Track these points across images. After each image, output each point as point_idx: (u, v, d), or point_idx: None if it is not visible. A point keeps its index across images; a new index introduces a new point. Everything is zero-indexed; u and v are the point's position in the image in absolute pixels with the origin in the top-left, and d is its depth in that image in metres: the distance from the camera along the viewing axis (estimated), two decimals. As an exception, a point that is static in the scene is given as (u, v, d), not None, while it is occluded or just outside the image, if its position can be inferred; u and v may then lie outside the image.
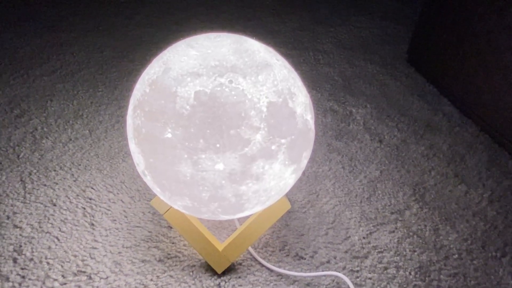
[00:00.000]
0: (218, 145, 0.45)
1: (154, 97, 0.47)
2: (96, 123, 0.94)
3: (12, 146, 0.86)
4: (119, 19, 1.45)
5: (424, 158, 0.89)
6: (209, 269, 0.63)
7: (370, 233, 0.71)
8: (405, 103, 1.07)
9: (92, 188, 0.77)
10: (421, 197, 0.79)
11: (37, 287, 0.60)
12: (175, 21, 1.46)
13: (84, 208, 0.73)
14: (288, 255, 0.67)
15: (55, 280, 0.61)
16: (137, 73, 1.13)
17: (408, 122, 0.99)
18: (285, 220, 0.73)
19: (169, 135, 0.46)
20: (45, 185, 0.77)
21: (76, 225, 0.70)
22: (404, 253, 0.68)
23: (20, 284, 0.60)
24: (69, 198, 0.75)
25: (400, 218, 0.74)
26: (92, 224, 0.70)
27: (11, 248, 0.65)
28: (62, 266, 0.63)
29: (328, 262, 0.66)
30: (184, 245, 0.67)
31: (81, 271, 0.63)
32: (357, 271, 0.65)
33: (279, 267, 0.64)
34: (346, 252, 0.68)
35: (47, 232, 0.68)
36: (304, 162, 0.54)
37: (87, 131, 0.92)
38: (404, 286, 0.63)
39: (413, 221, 0.74)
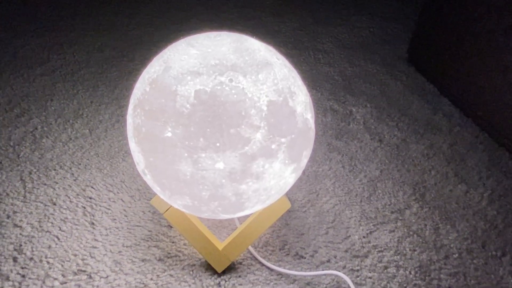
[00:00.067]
0: (218, 144, 0.45)
1: (154, 96, 0.47)
2: (96, 122, 0.94)
3: (12, 145, 0.86)
4: (119, 19, 1.45)
5: (424, 158, 0.89)
6: (209, 268, 0.63)
7: (370, 232, 0.71)
8: (405, 102, 1.07)
9: (92, 187, 0.77)
10: (421, 197, 0.79)
11: (37, 286, 0.60)
12: (175, 21, 1.46)
13: (84, 207, 0.73)
14: (288, 254, 0.67)
15: (55, 279, 0.61)
16: (137, 73, 1.13)
17: (408, 122, 0.99)
18: (285, 219, 0.73)
19: (169, 134, 0.46)
20: (45, 184, 0.77)
21: (76, 224, 0.70)
22: (404, 252, 0.68)
23: (20, 283, 0.60)
24: (69, 197, 0.75)
25: (400, 218, 0.74)
26: (92, 223, 0.70)
27: (11, 247, 0.65)
28: (62, 265, 0.63)
29: (328, 261, 0.66)
30: (184, 244, 0.67)
31: (81, 270, 0.63)
32: (357, 270, 0.65)
33: (279, 266, 0.64)
34: (346, 251, 0.68)
35: (47, 231, 0.68)
36: (304, 161, 0.54)
37: (87, 130, 0.92)
38: (404, 285, 0.63)
39: (413, 221, 0.74)
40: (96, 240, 0.67)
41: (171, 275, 0.62)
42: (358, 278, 0.64)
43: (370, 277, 0.64)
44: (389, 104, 1.06)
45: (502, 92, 0.89)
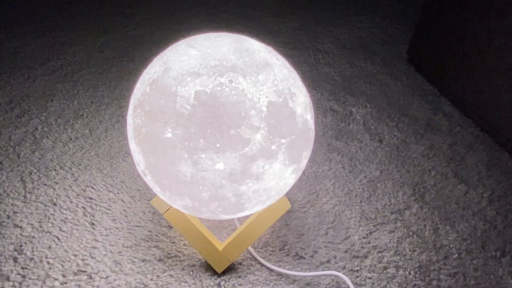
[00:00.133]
0: (218, 145, 0.45)
1: (154, 97, 0.47)
2: (96, 122, 0.94)
3: (13, 145, 0.86)
4: (119, 19, 1.45)
5: (424, 158, 0.89)
6: (209, 269, 0.63)
7: (370, 233, 0.71)
8: (405, 103, 1.07)
9: (92, 187, 0.77)
10: (421, 197, 0.79)
11: (37, 287, 0.60)
12: (175, 21, 1.46)
13: (85, 208, 0.73)
14: (288, 255, 0.67)
15: (56, 279, 0.61)
16: (137, 73, 1.13)
17: (408, 122, 0.99)
18: (285, 219, 0.73)
19: (169, 135, 0.46)
20: (45, 184, 0.77)
21: (76, 225, 0.70)
22: (404, 252, 0.68)
23: (20, 283, 0.60)
24: (69, 198, 0.75)
25: (400, 218, 0.74)
26: (93, 224, 0.70)
27: (11, 247, 0.65)
28: (62, 266, 0.63)
29: (328, 261, 0.66)
30: (184, 244, 0.67)
31: (81, 271, 0.63)
32: (357, 271, 0.65)
33: (279, 266, 0.64)
34: (346, 251, 0.68)
35: (48, 232, 0.68)
36: (304, 162, 0.54)
37: (88, 130, 0.92)
38: (404, 285, 0.63)
39: (413, 221, 0.74)
40: (96, 240, 0.67)
41: (171, 276, 0.62)
42: (357, 279, 0.64)
43: (369, 278, 0.64)
44: (389, 105, 1.06)
45: (502, 92, 0.89)
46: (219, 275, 0.63)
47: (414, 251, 0.69)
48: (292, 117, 0.48)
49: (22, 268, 0.62)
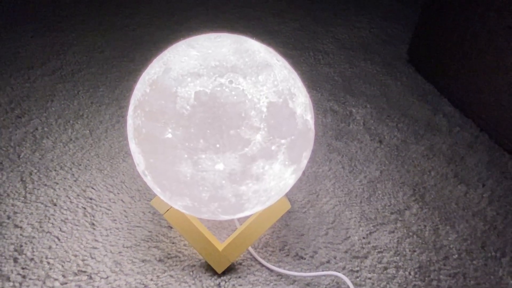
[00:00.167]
0: (218, 145, 0.45)
1: (154, 97, 0.47)
2: (96, 123, 0.94)
3: (13, 146, 0.86)
4: (119, 19, 1.45)
5: (424, 158, 0.89)
6: (209, 269, 0.63)
7: (370, 233, 0.71)
8: (405, 103, 1.07)
9: (92, 188, 0.77)
10: (421, 197, 0.79)
11: (37, 287, 0.60)
12: (175, 21, 1.46)
13: (85, 208, 0.73)
14: (288, 255, 0.67)
15: (56, 279, 0.61)
16: (137, 73, 1.13)
17: (408, 122, 0.99)
18: (285, 220, 0.73)
19: (170, 135, 0.46)
20: (45, 185, 0.77)
21: (76, 225, 0.70)
22: (404, 253, 0.68)
23: (20, 283, 0.60)
24: (69, 198, 0.75)
25: (400, 218, 0.74)
26: (93, 224, 0.70)
27: (11, 248, 0.65)
28: (62, 266, 0.63)
29: (328, 262, 0.66)
30: (184, 245, 0.67)
31: (81, 271, 0.63)
32: (357, 271, 0.65)
33: (279, 267, 0.64)
34: (346, 252, 0.68)
35: (48, 232, 0.68)
36: (304, 162, 0.54)
37: (88, 131, 0.92)
38: (404, 286, 0.63)
39: (413, 221, 0.74)
40: (96, 240, 0.67)
41: (171, 276, 0.62)
42: (357, 279, 0.64)
43: (369, 278, 0.64)
44: (389, 105, 1.06)
45: (502, 92, 0.89)
46: (219, 276, 0.63)
47: (414, 251, 0.69)
48: (292, 117, 0.48)
49: (22, 268, 0.62)
